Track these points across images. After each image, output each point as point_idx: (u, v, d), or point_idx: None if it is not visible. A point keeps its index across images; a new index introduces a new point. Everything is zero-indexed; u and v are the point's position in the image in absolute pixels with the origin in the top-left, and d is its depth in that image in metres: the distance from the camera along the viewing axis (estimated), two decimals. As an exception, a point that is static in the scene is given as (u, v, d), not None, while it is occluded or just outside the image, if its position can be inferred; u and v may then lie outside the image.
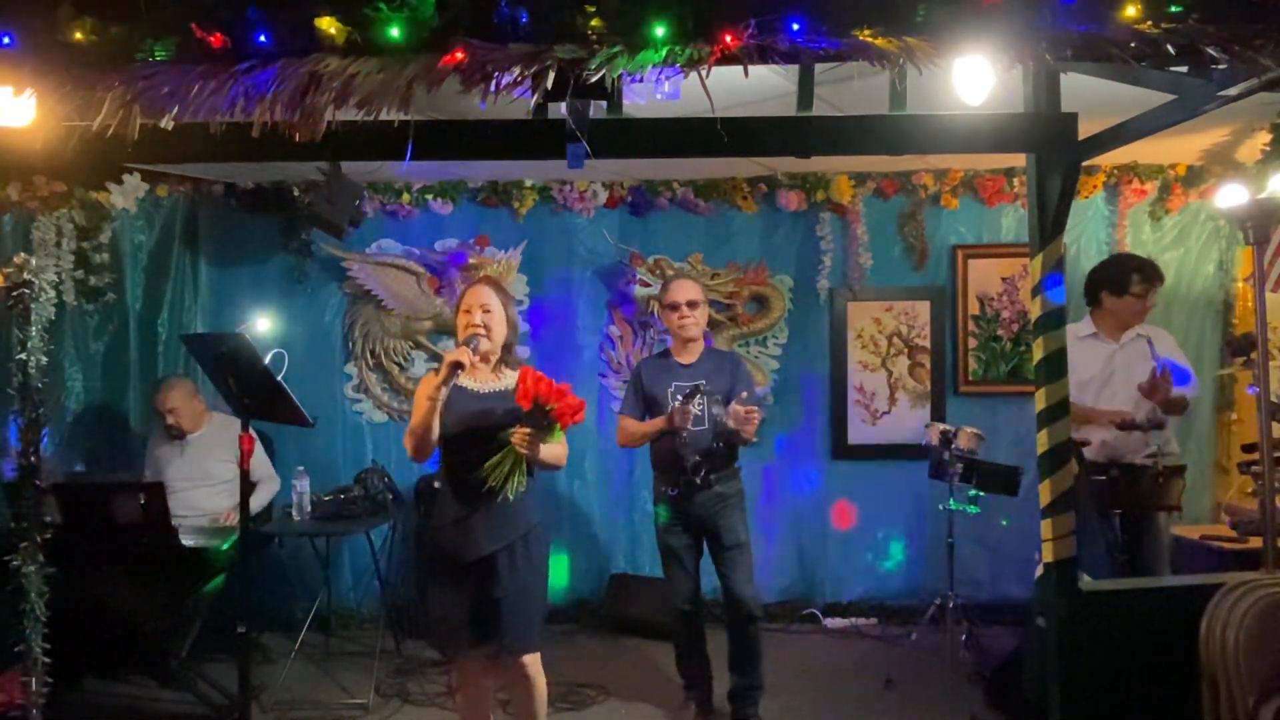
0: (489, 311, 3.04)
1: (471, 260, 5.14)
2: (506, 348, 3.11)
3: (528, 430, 2.87)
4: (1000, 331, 5.18)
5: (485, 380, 3.07)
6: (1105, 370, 3.97)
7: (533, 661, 3.08)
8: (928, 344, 5.21)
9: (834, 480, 5.23)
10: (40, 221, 4.75)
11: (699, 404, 3.65)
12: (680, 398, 3.60)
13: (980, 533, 4.92)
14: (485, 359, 3.07)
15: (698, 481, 3.62)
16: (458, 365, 2.87)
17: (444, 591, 3.02)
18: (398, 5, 2.29)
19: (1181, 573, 4.06)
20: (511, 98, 2.29)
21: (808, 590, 5.25)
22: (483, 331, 3.01)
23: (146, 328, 5.06)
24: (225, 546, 4.08)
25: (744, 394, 3.63)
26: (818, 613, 5.18)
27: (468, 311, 3.06)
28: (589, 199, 5.22)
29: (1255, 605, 2.64)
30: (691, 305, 3.77)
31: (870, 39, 2.27)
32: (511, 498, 2.91)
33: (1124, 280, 3.97)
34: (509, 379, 3.08)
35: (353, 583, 5.20)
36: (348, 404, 5.27)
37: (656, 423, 3.71)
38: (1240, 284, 5.05)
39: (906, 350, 5.23)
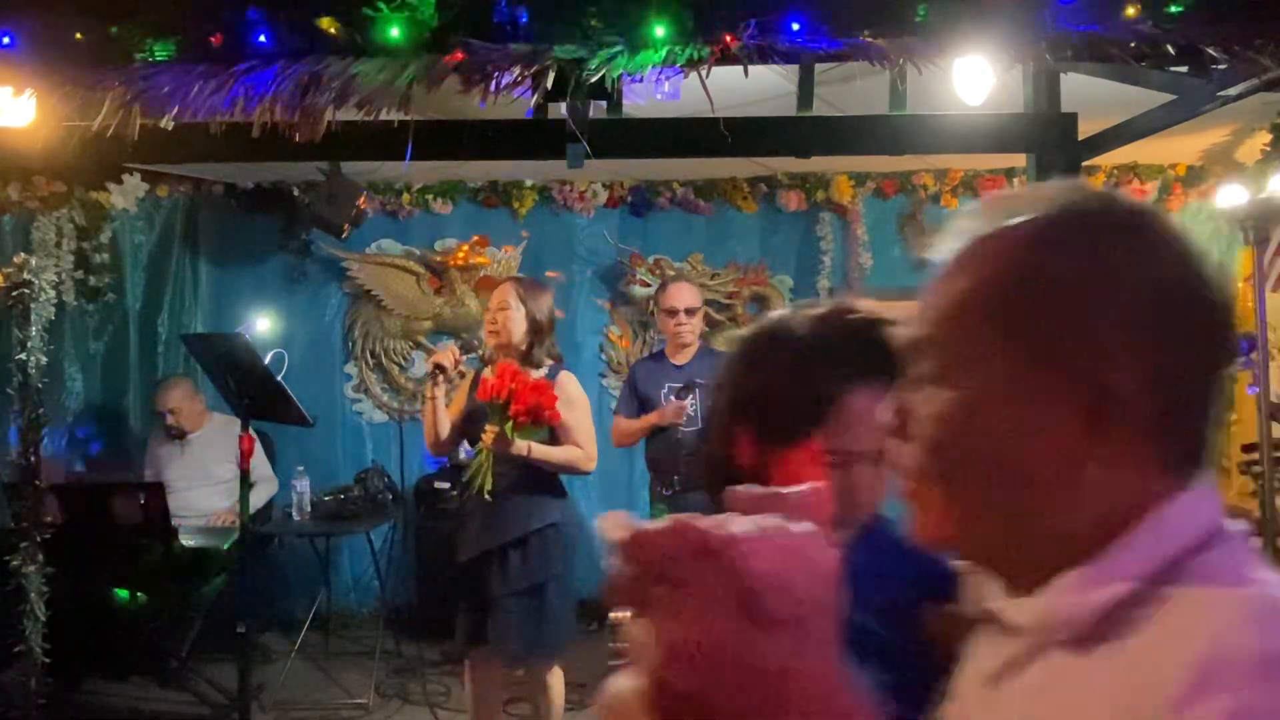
0: (504, 310, 3.04)
1: (471, 260, 5.14)
2: (531, 346, 3.06)
3: (493, 427, 2.89)
4: (1000, 331, 5.16)
5: None
6: None
7: (545, 671, 3.03)
8: (928, 344, 5.19)
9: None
10: (40, 221, 4.73)
11: (692, 402, 3.65)
12: (673, 397, 3.60)
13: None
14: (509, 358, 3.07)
15: (692, 474, 3.61)
16: (438, 366, 2.98)
17: (453, 585, 3.13)
18: (398, 5, 2.29)
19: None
20: (511, 98, 2.29)
21: (808, 590, 5.24)
22: (492, 332, 3.05)
23: (146, 328, 5.05)
24: (226, 547, 4.08)
25: None
26: (818, 613, 5.17)
27: (488, 310, 3.11)
28: (589, 199, 5.21)
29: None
30: (690, 312, 3.74)
31: (870, 39, 2.27)
32: (488, 497, 2.90)
33: None
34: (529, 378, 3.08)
35: (352, 583, 5.19)
36: (348, 404, 5.26)
37: (649, 418, 3.70)
38: (1240, 284, 5.04)
39: (906, 350, 5.21)
